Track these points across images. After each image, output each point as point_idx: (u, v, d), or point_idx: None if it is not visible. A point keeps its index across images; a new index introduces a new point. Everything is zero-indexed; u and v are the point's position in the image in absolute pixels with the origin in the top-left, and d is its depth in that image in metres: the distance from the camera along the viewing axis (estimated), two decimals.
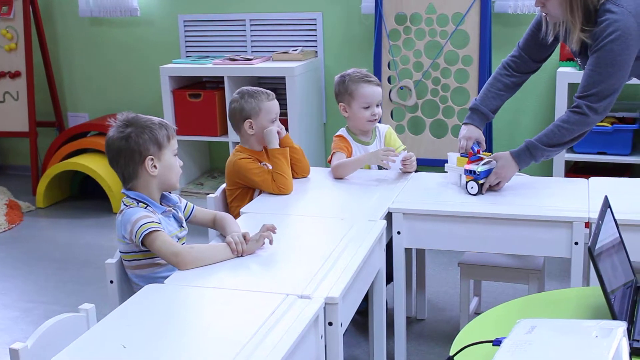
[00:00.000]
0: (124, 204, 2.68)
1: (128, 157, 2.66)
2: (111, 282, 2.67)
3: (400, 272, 3.25)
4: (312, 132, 5.47)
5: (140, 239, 2.55)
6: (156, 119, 2.72)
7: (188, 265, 2.52)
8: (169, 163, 2.71)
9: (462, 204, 3.19)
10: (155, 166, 2.67)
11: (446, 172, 3.46)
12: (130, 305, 2.32)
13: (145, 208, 2.66)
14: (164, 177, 2.71)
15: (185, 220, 2.86)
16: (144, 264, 2.67)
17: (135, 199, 2.67)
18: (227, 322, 2.22)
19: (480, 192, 3.25)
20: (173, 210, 2.77)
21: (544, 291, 3.42)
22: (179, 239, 2.73)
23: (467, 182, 3.28)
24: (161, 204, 2.74)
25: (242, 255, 2.63)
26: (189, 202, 2.93)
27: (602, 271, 2.00)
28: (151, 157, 2.66)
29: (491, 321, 2.22)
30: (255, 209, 3.16)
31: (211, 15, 5.81)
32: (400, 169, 3.53)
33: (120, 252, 2.70)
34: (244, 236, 2.65)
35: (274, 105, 3.42)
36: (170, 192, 2.82)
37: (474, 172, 3.26)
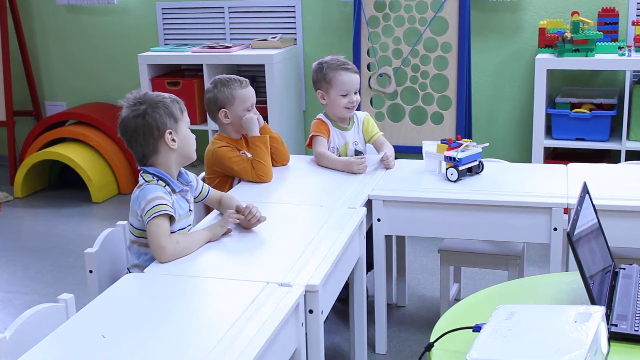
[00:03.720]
0: (144, 179, 2.65)
1: (148, 133, 2.63)
2: (90, 271, 2.65)
3: (380, 259, 3.25)
4: (291, 120, 5.46)
5: (147, 220, 2.54)
6: (166, 94, 2.72)
7: (168, 261, 2.52)
8: (185, 135, 2.71)
9: (442, 190, 3.20)
10: (174, 140, 2.66)
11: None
12: (110, 294, 2.31)
13: (165, 187, 2.64)
14: (184, 149, 2.70)
15: (199, 201, 2.90)
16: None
17: (154, 175, 2.66)
18: (207, 311, 2.21)
19: (459, 178, 3.26)
20: (187, 191, 2.76)
21: (523, 277, 3.44)
22: (183, 228, 2.71)
23: (447, 169, 3.29)
24: (178, 182, 2.73)
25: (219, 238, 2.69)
26: (205, 185, 2.94)
27: (580, 257, 2.02)
28: (169, 130, 2.64)
29: (471, 307, 2.23)
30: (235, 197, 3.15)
31: (189, 2, 5.77)
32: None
33: (130, 224, 2.68)
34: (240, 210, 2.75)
35: (248, 92, 3.40)
36: (186, 168, 2.82)
37: (454, 158, 3.26)
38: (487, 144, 3.49)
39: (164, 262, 2.51)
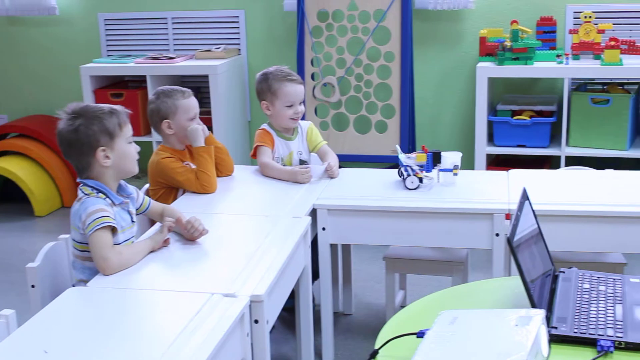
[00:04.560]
0: (83, 193, 2.62)
1: (79, 149, 2.60)
2: (32, 286, 2.61)
3: (326, 268, 3.27)
4: (236, 130, 5.45)
5: (89, 234, 2.51)
6: (106, 107, 2.65)
7: (113, 272, 2.49)
8: (122, 151, 2.65)
9: (386, 199, 3.23)
10: (107, 156, 2.61)
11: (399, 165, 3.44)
12: (52, 309, 2.28)
13: (105, 199, 2.62)
14: (119, 166, 2.65)
15: (140, 214, 2.86)
16: None
17: (94, 188, 2.62)
18: (151, 324, 2.20)
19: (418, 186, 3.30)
20: (128, 203, 2.74)
21: (467, 282, 3.48)
22: (127, 239, 2.69)
23: (407, 177, 3.30)
24: (118, 194, 2.70)
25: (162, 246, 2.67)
26: (146, 197, 2.91)
27: (521, 262, 2.05)
28: (103, 148, 2.60)
29: (415, 313, 2.26)
30: (179, 208, 3.12)
31: (132, 13, 5.73)
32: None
33: (73, 240, 2.65)
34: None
35: (191, 102, 3.39)
36: (127, 181, 2.78)
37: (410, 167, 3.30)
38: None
39: (109, 274, 2.48)
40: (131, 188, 2.81)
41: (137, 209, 2.83)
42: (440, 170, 3.34)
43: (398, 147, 3.51)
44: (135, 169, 2.73)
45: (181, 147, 3.43)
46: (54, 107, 5.93)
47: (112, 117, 2.62)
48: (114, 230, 2.56)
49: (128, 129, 2.68)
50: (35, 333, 2.13)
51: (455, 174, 3.31)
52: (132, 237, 2.73)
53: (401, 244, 3.43)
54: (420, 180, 3.30)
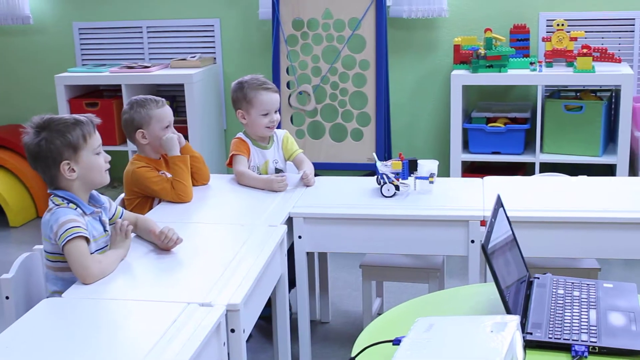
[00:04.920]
0: (54, 203, 2.60)
1: (44, 162, 2.59)
2: (7, 297, 2.59)
3: (302, 276, 3.27)
4: (212, 139, 5.44)
5: (62, 244, 2.50)
6: (71, 119, 2.62)
7: (93, 281, 2.48)
8: (88, 163, 2.62)
9: (362, 206, 3.24)
10: (73, 169, 2.59)
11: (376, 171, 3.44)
12: (27, 320, 2.27)
13: (75, 209, 2.60)
14: (86, 178, 2.63)
15: (113, 224, 2.83)
16: (68, 266, 2.59)
17: (64, 198, 2.61)
18: (127, 334, 2.19)
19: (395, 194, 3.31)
20: (100, 213, 2.72)
21: (444, 289, 3.49)
22: (100, 248, 2.68)
23: (383, 185, 3.31)
24: (89, 204, 2.69)
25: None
26: (119, 207, 2.89)
27: (496, 268, 2.06)
28: (67, 161, 2.58)
29: (392, 321, 2.26)
30: (154, 217, 3.11)
31: (107, 22, 5.72)
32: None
33: (45, 251, 2.63)
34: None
35: (165, 112, 3.38)
36: (99, 191, 2.76)
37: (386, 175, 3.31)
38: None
39: (89, 283, 2.47)
40: (103, 198, 2.80)
41: (109, 219, 2.81)
42: (417, 178, 3.35)
43: (375, 154, 3.52)
44: (105, 180, 2.70)
45: (156, 157, 3.42)
46: (28, 117, 5.86)
47: (76, 130, 2.59)
48: (87, 240, 2.55)
49: (94, 140, 2.65)
50: (9, 344, 2.12)
51: (431, 182, 3.32)
52: (106, 246, 2.72)
53: (377, 252, 3.43)
54: (397, 187, 3.31)
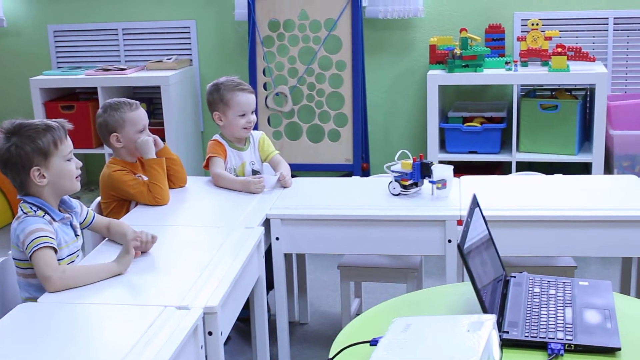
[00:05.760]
0: (22, 211, 2.59)
1: (13, 168, 2.57)
2: None
3: (280, 278, 3.26)
4: (189, 141, 5.43)
5: (30, 254, 2.48)
6: (42, 124, 2.59)
7: (57, 290, 2.45)
8: (59, 170, 2.60)
9: (339, 207, 3.24)
10: (43, 175, 2.57)
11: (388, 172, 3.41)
12: (1, 326, 2.25)
13: (44, 216, 2.58)
14: (56, 184, 2.61)
15: (85, 228, 2.83)
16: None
17: (33, 205, 2.59)
18: (103, 339, 2.18)
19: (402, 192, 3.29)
20: (71, 218, 2.71)
21: (422, 289, 3.50)
22: (72, 253, 2.67)
23: (390, 183, 3.30)
24: (60, 210, 2.67)
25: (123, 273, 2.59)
26: (90, 210, 2.87)
27: (472, 268, 2.07)
28: (37, 167, 2.56)
29: (369, 321, 2.27)
30: (131, 221, 3.11)
31: (82, 25, 5.68)
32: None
33: (14, 258, 2.61)
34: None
35: (139, 115, 3.36)
36: (79, 194, 2.74)
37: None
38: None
39: (52, 292, 2.45)
40: (75, 202, 2.78)
41: (80, 223, 2.79)
42: (430, 182, 3.30)
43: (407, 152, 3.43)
44: (76, 187, 2.68)
45: (132, 160, 3.40)
46: (2, 121, 5.86)
47: (47, 136, 2.57)
48: (54, 250, 2.53)
49: (66, 146, 2.63)
50: None
51: (439, 188, 3.26)
52: (77, 250, 2.71)
53: (355, 252, 3.44)
54: (404, 187, 3.29)
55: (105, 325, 2.26)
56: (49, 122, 2.63)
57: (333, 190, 3.48)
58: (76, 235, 2.72)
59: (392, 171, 3.31)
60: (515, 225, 3.06)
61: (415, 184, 3.30)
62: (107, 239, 2.91)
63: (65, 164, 2.62)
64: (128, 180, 3.29)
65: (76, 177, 2.67)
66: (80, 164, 2.70)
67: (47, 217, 2.59)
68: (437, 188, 3.28)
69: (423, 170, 3.29)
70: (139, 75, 5.24)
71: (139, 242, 2.69)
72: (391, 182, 3.31)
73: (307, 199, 3.38)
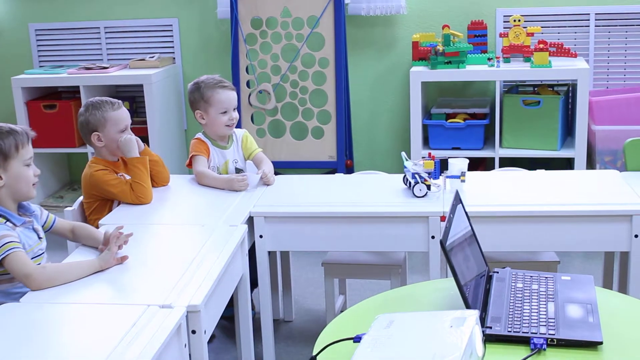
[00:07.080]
0: None
1: None
2: None
3: (264, 276, 3.26)
4: (172, 139, 5.41)
5: (1, 260, 2.48)
6: (6, 127, 2.61)
7: (41, 287, 2.45)
8: (17, 174, 2.61)
9: (323, 204, 3.24)
10: (0, 177, 2.58)
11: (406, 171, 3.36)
12: None
13: (5, 223, 2.58)
14: (13, 188, 2.62)
15: (46, 232, 2.80)
16: (5, 278, 2.58)
17: None
18: (86, 338, 2.17)
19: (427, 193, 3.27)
20: (32, 222, 2.69)
21: (406, 285, 3.51)
22: (37, 256, 2.66)
23: (415, 184, 3.25)
24: (19, 214, 2.66)
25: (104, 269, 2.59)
26: (50, 214, 2.86)
27: (455, 264, 2.08)
28: None
29: (353, 318, 2.27)
30: (114, 220, 3.10)
31: (64, 23, 5.65)
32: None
33: None
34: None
35: (121, 114, 3.35)
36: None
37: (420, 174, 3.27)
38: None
39: (38, 289, 2.44)
40: (34, 206, 2.79)
41: (42, 226, 2.79)
42: (447, 177, 3.29)
43: (404, 154, 3.38)
44: (31, 194, 2.69)
45: (114, 159, 3.39)
46: None
47: (9, 138, 2.59)
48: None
49: (26, 152, 2.64)
50: None
51: (463, 181, 3.26)
52: (42, 253, 2.71)
53: (339, 249, 3.44)
54: (428, 187, 3.27)
55: (87, 325, 2.25)
56: (14, 126, 2.65)
57: (316, 188, 3.48)
58: (39, 238, 2.71)
59: (417, 174, 3.24)
60: (498, 220, 3.08)
61: (427, 183, 3.26)
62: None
63: (23, 168, 2.64)
64: (110, 180, 3.28)
65: (33, 184, 2.68)
66: (38, 171, 2.72)
67: (9, 223, 2.59)
68: (462, 181, 3.26)
69: (442, 167, 3.29)
70: (122, 74, 5.22)
71: (117, 236, 2.67)
72: (416, 184, 3.24)
73: (290, 196, 3.38)
